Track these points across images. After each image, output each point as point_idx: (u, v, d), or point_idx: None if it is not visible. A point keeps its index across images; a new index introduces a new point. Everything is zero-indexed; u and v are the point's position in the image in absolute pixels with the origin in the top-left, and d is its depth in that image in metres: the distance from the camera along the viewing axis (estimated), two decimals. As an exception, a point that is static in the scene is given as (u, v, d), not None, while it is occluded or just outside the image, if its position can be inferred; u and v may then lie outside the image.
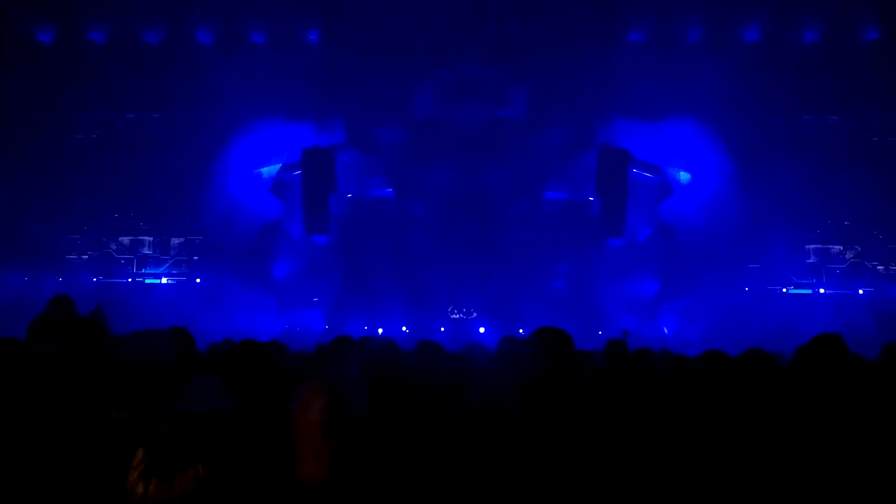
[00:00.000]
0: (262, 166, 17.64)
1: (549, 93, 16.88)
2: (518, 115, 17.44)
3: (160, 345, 3.51)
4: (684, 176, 17.42)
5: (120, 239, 18.22)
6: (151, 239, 18.25)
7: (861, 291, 17.44)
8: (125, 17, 17.02)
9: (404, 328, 16.85)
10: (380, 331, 16.65)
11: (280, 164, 17.64)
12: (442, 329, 16.78)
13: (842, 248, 17.67)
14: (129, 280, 17.99)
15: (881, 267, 17.57)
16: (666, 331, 16.91)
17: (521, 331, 16.60)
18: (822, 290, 17.62)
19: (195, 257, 18.06)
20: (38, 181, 17.25)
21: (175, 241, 18.24)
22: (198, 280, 17.70)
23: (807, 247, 17.74)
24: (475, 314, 17.11)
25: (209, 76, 16.46)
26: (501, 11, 16.44)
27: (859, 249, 17.60)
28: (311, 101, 16.59)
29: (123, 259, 18.24)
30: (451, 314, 17.02)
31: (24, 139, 16.91)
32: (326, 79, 16.52)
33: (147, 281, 18.07)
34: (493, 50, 16.83)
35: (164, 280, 18.01)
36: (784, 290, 17.65)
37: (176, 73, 16.94)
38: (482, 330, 16.57)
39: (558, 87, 16.68)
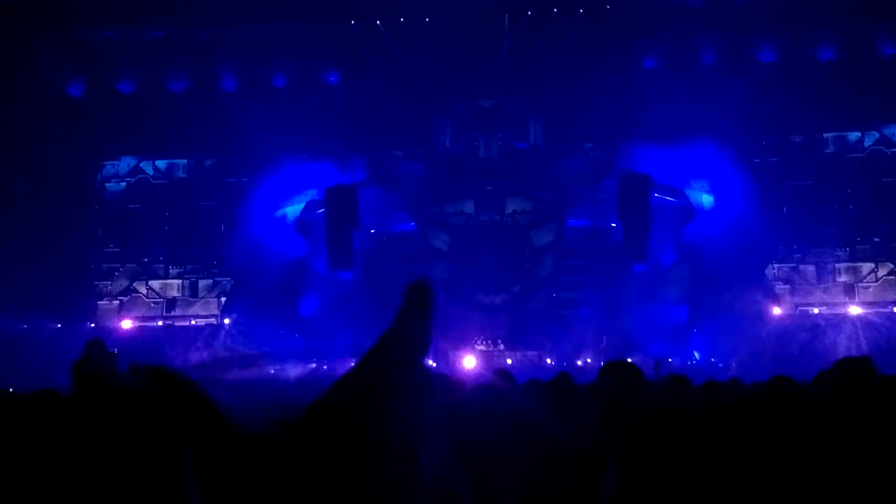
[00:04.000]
0: (287, 206, 17.96)
1: (568, 122, 17.05)
2: (537, 145, 17.58)
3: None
4: (707, 198, 17.33)
5: (150, 283, 18.54)
6: (180, 282, 18.54)
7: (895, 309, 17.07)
8: (152, 67, 17.59)
9: (431, 362, 16.80)
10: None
11: (304, 203, 17.94)
12: (468, 362, 16.67)
13: (873, 265, 17.36)
14: (160, 323, 18.24)
15: (914, 283, 17.22)
16: (697, 356, 16.66)
17: (548, 360, 16.51)
18: (854, 309, 17.26)
19: (223, 298, 18.29)
20: (68, 229, 17.72)
21: (204, 283, 18.52)
22: (226, 321, 17.88)
23: (837, 265, 17.45)
24: (502, 345, 17.00)
25: (233, 121, 16.94)
26: (516, 44, 16.69)
27: (892, 266, 17.28)
28: (332, 141, 16.94)
29: (154, 302, 18.53)
30: (477, 345, 16.94)
31: (55, 188, 17.40)
32: (347, 118, 16.86)
33: (177, 324, 18.30)
34: (509, 82, 17.09)
35: (193, 322, 18.23)
36: (816, 310, 17.33)
37: (201, 120, 17.39)
38: (509, 361, 16.45)
39: (576, 116, 16.84)
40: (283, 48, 17.20)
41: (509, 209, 17.55)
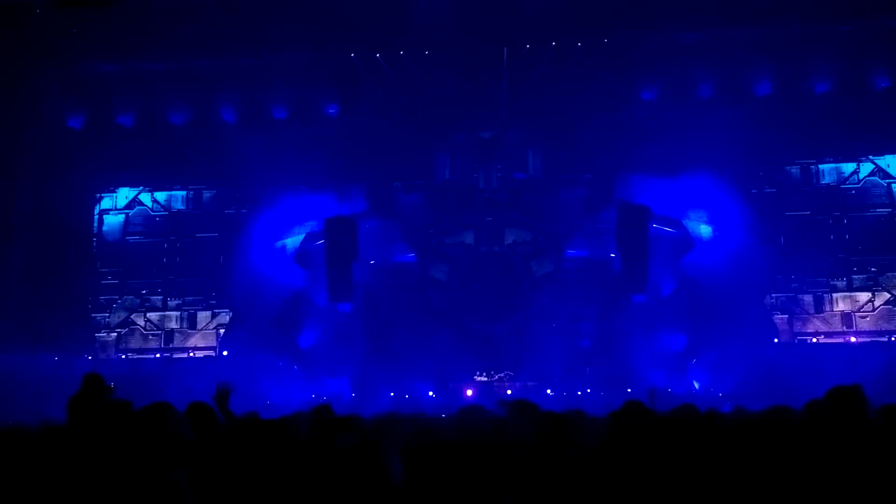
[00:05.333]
0: (286, 237, 17.95)
1: (566, 153, 17.16)
2: (536, 176, 17.68)
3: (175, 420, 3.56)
4: (705, 229, 17.42)
5: (148, 315, 18.45)
6: (179, 314, 18.46)
7: (894, 338, 17.14)
8: (151, 100, 17.67)
9: (431, 393, 16.74)
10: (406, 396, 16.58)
11: (303, 235, 17.93)
12: (469, 392, 16.62)
13: (870, 294, 17.46)
14: (157, 356, 18.12)
15: (911, 313, 17.30)
16: (697, 385, 16.65)
17: (548, 391, 16.46)
18: (853, 339, 17.33)
19: (222, 330, 18.21)
20: (66, 260, 17.64)
21: (202, 314, 18.44)
22: (225, 353, 17.79)
23: (834, 295, 17.54)
24: (504, 376, 16.96)
25: (233, 152, 16.99)
26: (516, 76, 16.85)
27: (889, 296, 17.37)
28: (332, 172, 16.97)
29: (152, 335, 18.44)
30: (477, 377, 16.89)
31: (54, 220, 17.36)
32: (346, 149, 16.93)
33: (175, 356, 18.20)
34: (509, 114, 17.22)
35: (191, 354, 18.14)
36: (814, 339, 17.39)
37: (201, 152, 17.50)
38: (509, 392, 16.40)
39: (575, 147, 16.96)
40: (282, 80, 17.32)
41: (509, 240, 17.59)
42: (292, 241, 17.98)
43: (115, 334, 18.37)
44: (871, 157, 17.52)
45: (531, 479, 3.66)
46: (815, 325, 17.56)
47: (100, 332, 18.34)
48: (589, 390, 16.29)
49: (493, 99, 17.07)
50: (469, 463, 3.74)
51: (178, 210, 18.64)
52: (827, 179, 17.69)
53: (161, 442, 3.24)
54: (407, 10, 15.64)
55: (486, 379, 16.93)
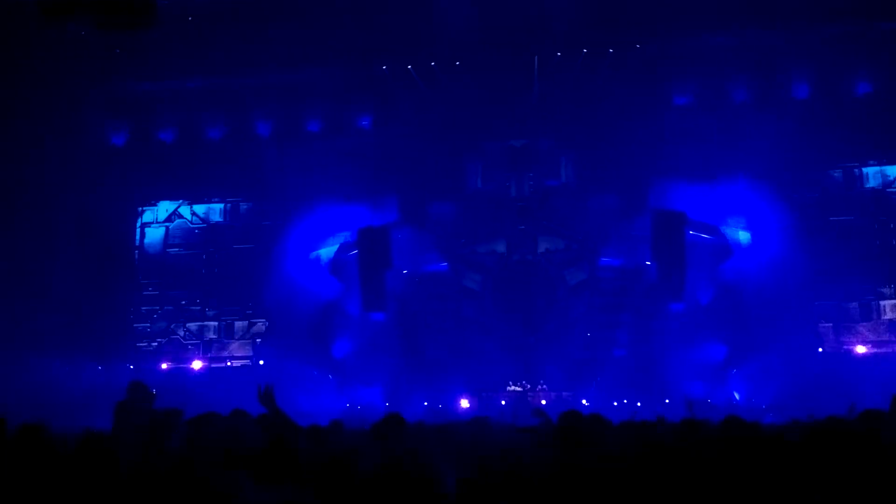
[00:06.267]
0: (320, 248, 18.16)
1: (599, 160, 17.01)
2: (569, 184, 17.56)
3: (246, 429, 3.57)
4: (744, 235, 17.02)
5: (187, 325, 18.83)
6: (216, 324, 18.79)
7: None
8: (190, 116, 18.15)
9: (464, 402, 16.66)
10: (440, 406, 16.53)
11: (337, 245, 18.11)
12: (503, 402, 16.49)
13: (920, 301, 16.81)
14: (198, 364, 18.45)
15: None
16: (737, 396, 16.22)
17: (584, 402, 16.22)
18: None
19: (258, 340, 18.46)
20: (110, 272, 18.14)
21: (239, 324, 18.73)
22: (261, 362, 18.02)
23: (881, 303, 16.92)
24: (539, 386, 16.78)
25: (268, 165, 17.32)
26: (547, 84, 16.80)
27: (939, 303, 16.70)
28: (365, 183, 17.11)
29: (191, 344, 18.80)
30: (511, 387, 16.76)
31: (98, 233, 17.87)
32: (379, 160, 17.06)
33: (213, 365, 18.51)
34: (540, 121, 17.17)
35: (229, 363, 18.42)
36: (861, 349, 16.79)
37: (238, 165, 17.87)
38: (543, 402, 16.21)
39: (607, 154, 16.79)
40: (315, 94, 17.58)
41: (541, 248, 17.47)
42: (326, 251, 18.18)
43: (156, 344, 18.78)
44: (917, 158, 16.93)
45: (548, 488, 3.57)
46: (862, 333, 16.95)
47: (141, 342, 18.78)
48: (625, 401, 15.99)
49: (524, 107, 17.04)
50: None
51: (217, 222, 19.02)
52: (871, 183, 17.13)
53: (228, 450, 3.26)
54: (437, 21, 15.74)
55: (519, 389, 16.78)
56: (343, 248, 18.05)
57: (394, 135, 17.12)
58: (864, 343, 16.83)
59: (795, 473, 3.64)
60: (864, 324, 16.89)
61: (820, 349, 16.76)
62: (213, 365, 18.42)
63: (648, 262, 17.07)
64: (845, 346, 16.87)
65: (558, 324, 17.16)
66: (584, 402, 16.30)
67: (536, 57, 16.58)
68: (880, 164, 17.06)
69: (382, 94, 17.27)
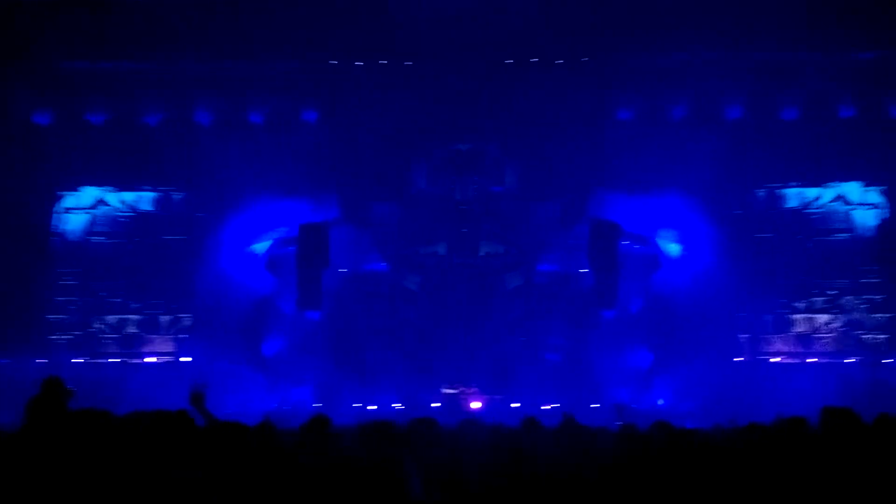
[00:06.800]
0: (257, 243, 17.63)
1: (542, 168, 17.33)
2: (511, 190, 17.79)
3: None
4: (674, 248, 17.73)
5: (106, 318, 17.86)
6: (139, 318, 17.92)
7: (849, 360, 17.64)
8: (125, 99, 17.24)
9: (397, 404, 16.58)
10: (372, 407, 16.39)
11: (274, 240, 17.64)
12: (436, 405, 16.50)
13: (829, 317, 17.95)
14: (119, 360, 17.53)
15: (867, 336, 17.84)
16: (661, 402, 16.85)
17: (515, 405, 16.45)
18: (810, 360, 17.80)
19: (183, 336, 17.74)
20: (21, 259, 16.98)
21: (164, 319, 17.94)
22: (187, 359, 17.33)
23: (794, 317, 17.99)
24: (470, 388, 16.89)
25: (207, 155, 16.66)
26: (495, 90, 16.96)
27: (846, 319, 17.89)
28: (307, 179, 16.80)
29: (109, 339, 17.85)
30: (445, 389, 16.80)
31: (12, 216, 16.73)
32: (323, 156, 16.78)
33: (133, 361, 17.64)
34: (487, 127, 17.32)
35: (152, 359, 17.61)
36: (775, 359, 17.80)
37: (174, 153, 17.09)
38: (479, 404, 16.33)
39: (550, 163, 17.13)
40: (260, 85, 17.10)
41: (482, 252, 17.62)
42: (262, 246, 17.68)
43: (71, 337, 17.73)
44: (833, 183, 18.09)
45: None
46: (776, 345, 17.98)
47: (54, 335, 17.68)
48: (558, 405, 16.31)
49: (472, 112, 17.16)
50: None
51: (146, 211, 18.13)
52: (792, 204, 18.20)
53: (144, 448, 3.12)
54: (389, 20, 15.64)
55: (454, 391, 16.84)
56: (280, 244, 17.60)
57: (339, 131, 16.89)
58: (777, 354, 17.85)
59: (731, 476, 3.85)
60: (779, 335, 17.92)
61: (738, 359, 17.65)
62: (133, 360, 17.55)
63: (584, 270, 17.50)
64: (760, 357, 17.85)
65: (494, 327, 17.34)
66: (514, 405, 16.54)
67: (486, 63, 16.71)
68: (801, 186, 18.15)
69: (330, 89, 17.00)
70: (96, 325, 17.85)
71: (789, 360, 17.78)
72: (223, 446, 3.73)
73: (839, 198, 18.17)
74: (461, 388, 16.82)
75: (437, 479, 3.54)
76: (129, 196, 18.13)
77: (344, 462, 3.56)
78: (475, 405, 16.41)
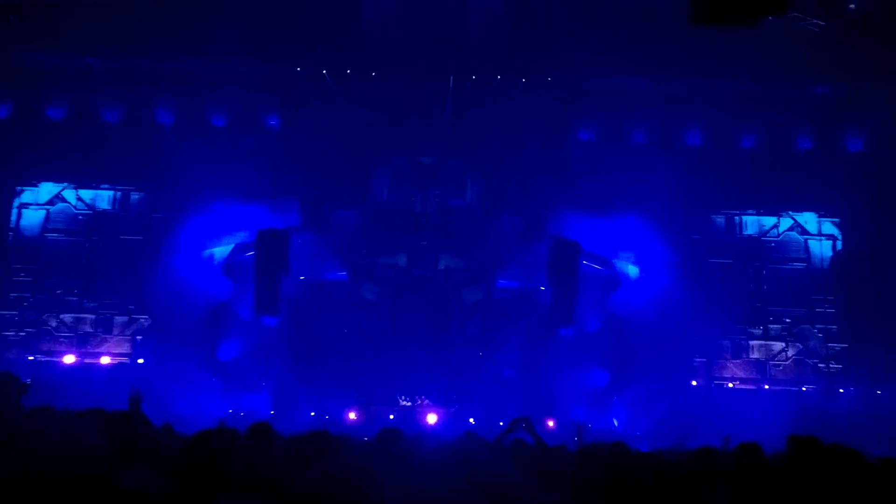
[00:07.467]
0: (215, 246, 17.51)
1: (504, 184, 17.41)
2: (473, 204, 17.85)
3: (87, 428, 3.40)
4: (633, 269, 17.85)
5: (61, 316, 17.65)
6: (94, 317, 17.73)
7: (804, 388, 17.81)
8: (85, 94, 17.07)
9: (352, 415, 16.48)
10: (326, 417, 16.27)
11: (233, 245, 17.54)
12: (391, 416, 16.43)
13: (784, 345, 18.13)
14: (69, 359, 17.30)
15: (822, 365, 18.03)
16: (616, 423, 16.87)
17: (470, 420, 16.41)
18: (766, 386, 17.94)
19: (139, 337, 17.56)
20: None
21: (119, 319, 17.76)
22: (140, 360, 17.15)
23: (751, 342, 18.15)
24: (426, 400, 16.85)
25: (166, 156, 16.53)
26: (459, 105, 17.08)
27: (801, 347, 18.08)
28: (268, 184, 16.69)
29: (63, 337, 17.63)
30: (401, 401, 16.74)
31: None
32: (284, 162, 16.71)
33: (86, 360, 17.42)
34: (450, 141, 17.40)
35: (104, 360, 17.39)
36: (730, 384, 17.92)
37: (133, 152, 16.99)
38: (434, 417, 16.28)
39: (512, 179, 17.23)
40: (224, 87, 17.01)
41: (441, 265, 17.63)
42: (221, 250, 17.54)
43: (24, 334, 17.49)
44: (790, 212, 18.36)
45: None
46: (732, 370, 18.11)
47: (8, 332, 17.43)
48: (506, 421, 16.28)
49: (436, 125, 17.23)
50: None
51: (103, 210, 17.99)
52: (749, 231, 18.43)
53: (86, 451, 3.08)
54: (357, 29, 15.71)
55: (409, 404, 16.78)
56: (239, 249, 17.48)
57: (301, 137, 16.85)
58: (732, 379, 17.98)
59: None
60: (735, 361, 18.06)
61: (693, 382, 17.75)
62: (87, 360, 17.34)
63: (543, 288, 17.55)
64: (716, 381, 17.96)
65: (451, 341, 17.32)
66: (470, 420, 16.50)
67: (452, 77, 16.84)
68: (758, 213, 18.40)
69: (293, 95, 16.99)
70: (51, 323, 17.63)
71: (744, 386, 17.91)
72: (166, 450, 3.71)
73: (795, 227, 18.44)
74: (417, 401, 16.77)
75: (407, 493, 3.50)
76: (86, 194, 17.98)
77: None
78: (431, 418, 16.34)
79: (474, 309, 17.55)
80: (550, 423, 15.47)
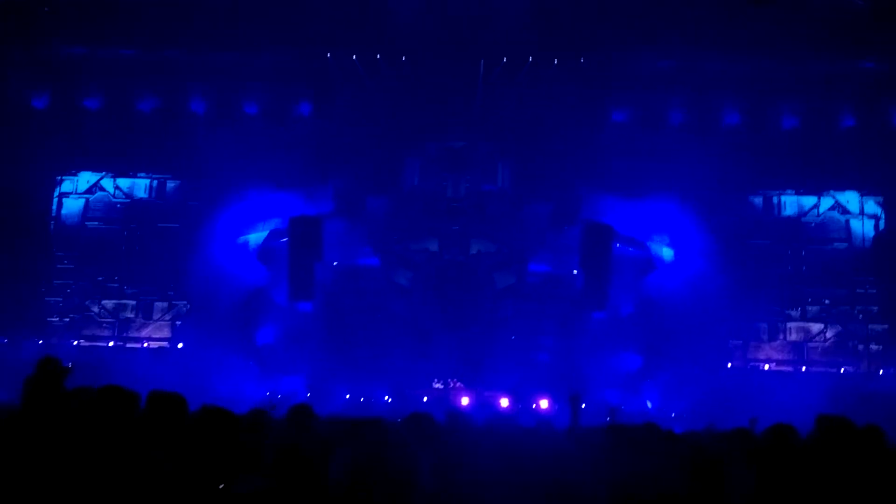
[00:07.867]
0: (250, 233, 17.74)
1: (536, 168, 17.26)
2: (504, 189, 17.76)
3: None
4: (667, 252, 17.64)
5: (103, 302, 18.11)
6: (135, 303, 18.14)
7: (843, 370, 17.52)
8: (121, 85, 17.35)
9: (387, 398, 16.69)
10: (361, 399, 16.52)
11: (267, 232, 17.75)
12: (425, 399, 16.60)
13: (823, 326, 17.82)
14: (111, 343, 17.79)
15: (861, 346, 17.70)
16: (650, 405, 16.83)
17: (503, 402, 16.51)
18: (803, 368, 17.69)
19: (178, 322, 17.95)
20: (21, 242, 17.23)
21: (159, 305, 18.16)
22: (180, 345, 17.54)
23: (788, 325, 17.88)
24: (458, 384, 16.97)
25: (201, 144, 16.74)
26: (491, 89, 16.90)
27: (840, 329, 17.76)
28: (300, 171, 16.81)
29: (105, 322, 18.10)
30: (435, 384, 16.89)
31: (10, 200, 16.95)
32: (317, 149, 16.79)
33: (128, 345, 17.90)
34: (481, 125, 17.26)
35: (145, 345, 17.85)
36: (766, 366, 17.70)
37: (168, 141, 17.24)
38: (466, 400, 16.41)
39: (544, 163, 17.06)
40: (257, 75, 17.14)
41: (473, 250, 17.62)
42: (255, 237, 17.78)
43: (68, 320, 18.00)
44: (831, 191, 17.90)
45: None
46: (768, 352, 17.88)
47: (52, 317, 17.96)
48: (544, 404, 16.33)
49: (467, 110, 17.10)
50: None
51: (141, 198, 18.32)
52: (788, 211, 18.04)
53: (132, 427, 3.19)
54: (387, 15, 15.61)
55: (442, 387, 16.92)
56: (273, 235, 17.69)
57: (333, 125, 16.90)
58: (769, 361, 17.76)
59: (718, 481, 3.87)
60: (771, 343, 17.82)
61: (729, 364, 17.57)
62: (129, 345, 17.80)
63: (575, 271, 17.46)
64: (752, 363, 17.76)
65: (484, 325, 17.37)
66: (503, 402, 16.59)
67: (483, 61, 16.65)
68: (797, 194, 17.98)
69: (325, 82, 17.01)
70: (94, 309, 18.11)
71: (781, 368, 17.69)
72: (211, 432, 3.82)
73: (837, 206, 18.00)
74: (451, 384, 16.91)
75: (443, 471, 3.61)
76: (124, 182, 18.32)
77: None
78: (464, 401, 16.48)
79: (506, 293, 17.54)
80: (544, 404, 15.55)
